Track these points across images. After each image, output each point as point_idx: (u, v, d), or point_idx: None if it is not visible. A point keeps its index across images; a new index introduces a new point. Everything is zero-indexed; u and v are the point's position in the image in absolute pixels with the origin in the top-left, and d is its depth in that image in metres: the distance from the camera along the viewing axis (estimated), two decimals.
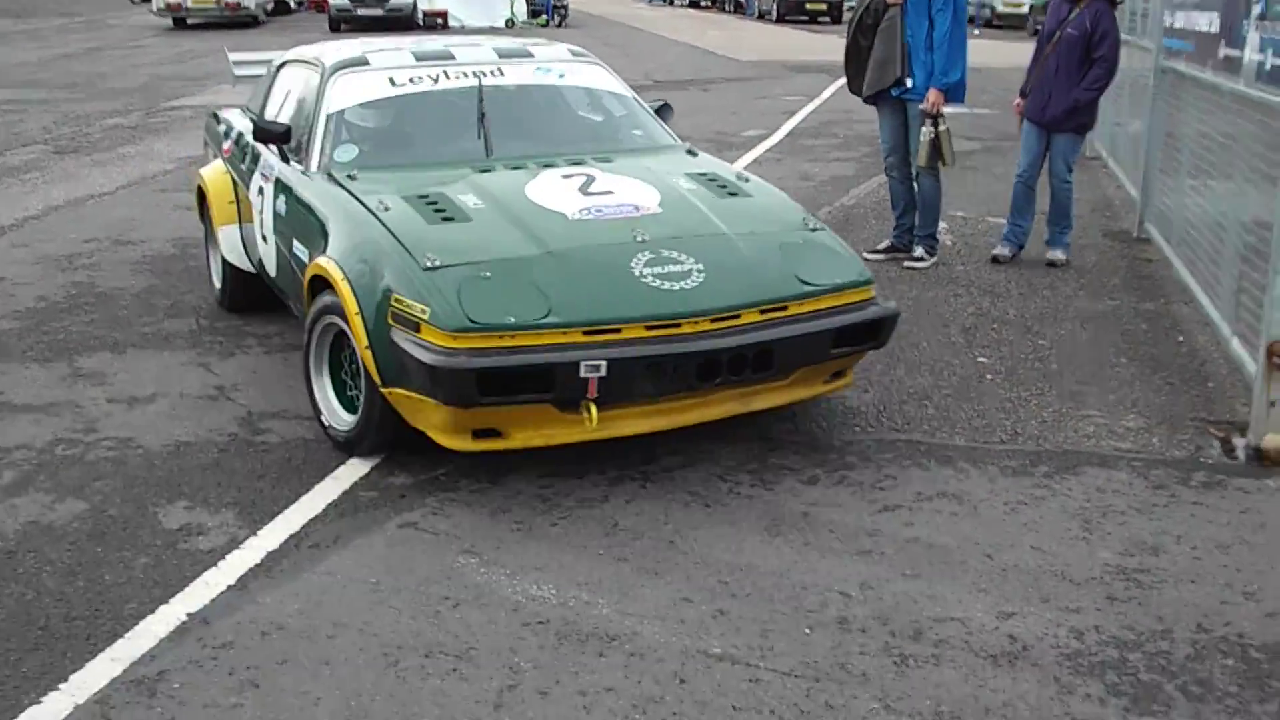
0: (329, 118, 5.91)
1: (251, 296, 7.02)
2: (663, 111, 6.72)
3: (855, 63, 8.20)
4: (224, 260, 6.95)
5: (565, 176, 5.51)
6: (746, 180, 5.82)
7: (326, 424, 5.21)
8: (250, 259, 6.74)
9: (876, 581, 4.13)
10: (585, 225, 5.06)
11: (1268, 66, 5.87)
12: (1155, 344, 6.73)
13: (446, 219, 5.05)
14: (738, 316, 4.74)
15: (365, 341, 4.71)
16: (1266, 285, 5.27)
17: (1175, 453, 5.28)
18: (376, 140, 6.04)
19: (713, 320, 4.68)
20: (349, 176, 5.54)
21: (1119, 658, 3.72)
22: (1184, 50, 8.08)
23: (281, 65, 6.98)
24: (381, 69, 6.15)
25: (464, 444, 4.71)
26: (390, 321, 4.64)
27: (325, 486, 4.87)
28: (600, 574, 4.18)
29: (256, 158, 6.43)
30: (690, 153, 6.24)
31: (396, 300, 4.63)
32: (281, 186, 5.89)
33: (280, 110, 6.54)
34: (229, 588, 4.08)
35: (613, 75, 6.73)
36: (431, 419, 4.67)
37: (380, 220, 5.05)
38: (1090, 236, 9.22)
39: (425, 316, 4.51)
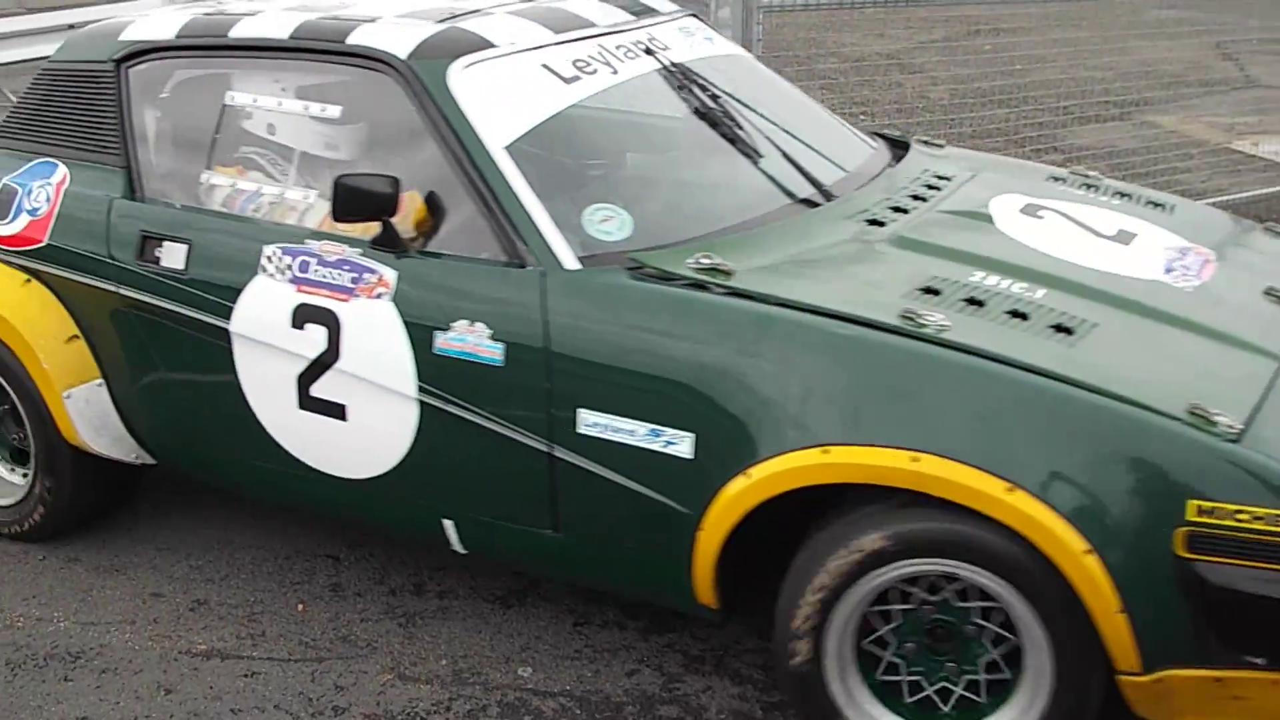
0: (511, 154, 3.09)
1: (99, 506, 3.89)
2: None
3: None
4: (65, 450, 3.65)
5: (1031, 214, 3.38)
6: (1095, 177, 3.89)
7: None
8: (155, 446, 3.65)
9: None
10: (1214, 299, 3.08)
11: None
12: None
13: (1061, 329, 2.77)
14: None
15: (1116, 602, 2.49)
16: None
17: None
18: (623, 192, 3.32)
19: None
20: (710, 269, 2.87)
21: None
22: None
23: (151, 53, 3.60)
24: (516, 50, 3.34)
25: None
26: (1184, 554, 2.47)
27: None
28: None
29: (206, 256, 3.34)
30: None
31: (1208, 511, 2.45)
32: (455, 307, 2.99)
33: (215, 153, 3.52)
34: None
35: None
36: None
37: (980, 355, 2.62)
38: None
39: None
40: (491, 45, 3.28)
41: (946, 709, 2.77)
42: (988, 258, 3.04)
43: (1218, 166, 7.51)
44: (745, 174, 3.38)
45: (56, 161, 3.68)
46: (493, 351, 2.93)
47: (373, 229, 3.10)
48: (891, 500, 2.63)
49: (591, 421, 2.85)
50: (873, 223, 3.20)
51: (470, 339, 2.95)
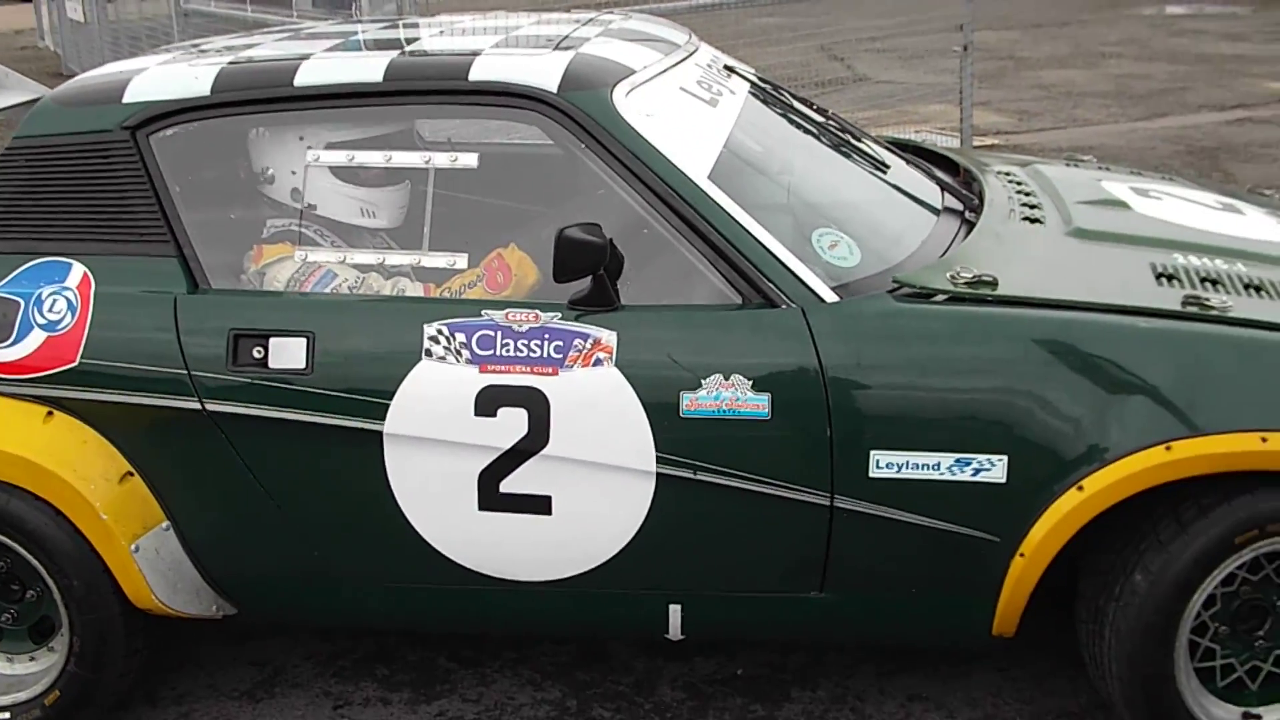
0: (716, 184, 2.81)
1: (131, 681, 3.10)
2: None
3: None
4: (115, 616, 2.91)
5: (1145, 195, 3.42)
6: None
7: None
8: (244, 591, 3.01)
9: None
10: None
11: None
12: None
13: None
14: None
15: None
16: None
17: None
18: (814, 217, 2.99)
19: None
20: (976, 282, 2.70)
21: None
22: None
23: (178, 114, 3.01)
24: (651, 74, 3.07)
25: None
26: None
27: None
28: None
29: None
30: None
31: None
32: (701, 362, 2.66)
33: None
34: None
35: None
36: None
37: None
38: None
39: None
40: (631, 70, 2.98)
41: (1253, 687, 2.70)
42: (1169, 240, 3.04)
43: None
44: (890, 191, 3.30)
45: (66, 259, 2.94)
46: (757, 404, 2.63)
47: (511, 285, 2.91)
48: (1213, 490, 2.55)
49: (886, 462, 2.61)
50: (1032, 221, 3.14)
51: (728, 394, 2.63)
